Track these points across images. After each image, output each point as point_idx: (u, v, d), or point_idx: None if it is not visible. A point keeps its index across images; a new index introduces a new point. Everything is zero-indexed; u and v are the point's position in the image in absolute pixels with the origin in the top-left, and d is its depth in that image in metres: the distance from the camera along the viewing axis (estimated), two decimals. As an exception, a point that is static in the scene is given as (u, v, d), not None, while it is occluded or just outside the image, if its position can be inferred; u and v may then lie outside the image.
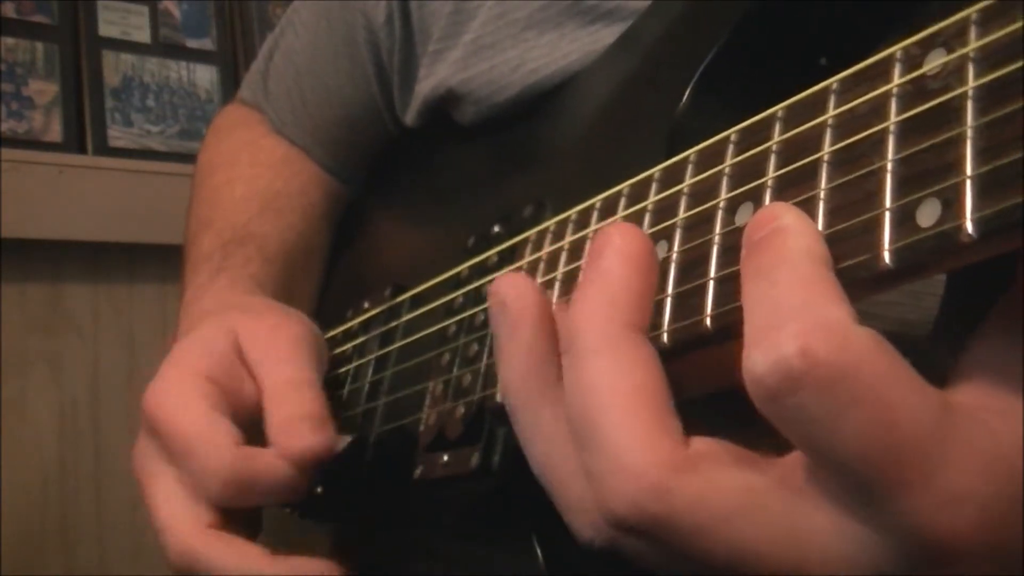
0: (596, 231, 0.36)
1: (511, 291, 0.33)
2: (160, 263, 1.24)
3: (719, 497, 0.26)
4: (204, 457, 0.47)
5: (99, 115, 1.25)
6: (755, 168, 0.31)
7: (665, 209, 0.35)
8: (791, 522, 0.25)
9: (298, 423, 0.48)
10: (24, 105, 1.20)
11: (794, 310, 0.24)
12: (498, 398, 0.32)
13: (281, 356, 0.51)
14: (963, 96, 0.24)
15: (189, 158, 1.27)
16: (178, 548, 0.47)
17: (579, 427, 0.29)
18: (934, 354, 0.25)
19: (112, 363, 1.21)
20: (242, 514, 0.49)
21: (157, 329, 1.23)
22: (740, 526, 0.26)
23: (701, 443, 0.28)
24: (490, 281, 0.46)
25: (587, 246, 0.35)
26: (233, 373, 0.51)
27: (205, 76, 1.34)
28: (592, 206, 0.39)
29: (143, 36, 1.31)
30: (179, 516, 0.47)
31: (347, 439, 0.50)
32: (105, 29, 1.28)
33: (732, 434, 0.32)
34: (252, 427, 0.49)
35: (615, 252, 0.31)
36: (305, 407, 0.49)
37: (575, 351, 0.30)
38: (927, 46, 0.26)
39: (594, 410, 0.29)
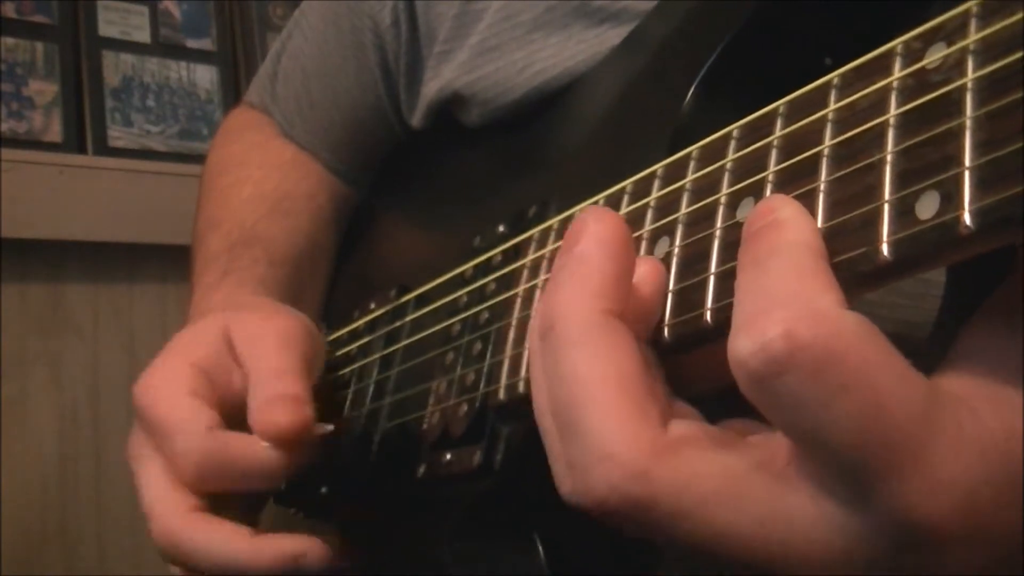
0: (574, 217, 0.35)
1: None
2: (160, 263, 1.24)
3: (698, 481, 0.26)
4: (178, 440, 0.47)
5: (99, 115, 1.25)
6: (756, 163, 0.31)
7: (667, 205, 0.35)
8: (772, 506, 0.25)
9: (275, 403, 0.48)
10: (24, 105, 1.20)
11: (783, 297, 0.24)
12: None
13: (268, 347, 0.52)
14: (962, 88, 0.24)
15: (189, 158, 1.28)
16: (160, 530, 0.47)
17: (560, 417, 0.29)
18: (935, 353, 0.25)
19: (112, 363, 1.21)
20: (233, 507, 0.49)
21: (157, 329, 1.23)
22: (720, 510, 0.26)
23: (680, 427, 0.28)
24: (494, 280, 0.46)
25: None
26: (221, 363, 0.52)
27: (205, 76, 1.34)
28: (596, 203, 0.39)
29: (143, 36, 1.31)
30: (162, 499, 0.48)
31: (328, 427, 0.50)
32: (105, 29, 1.28)
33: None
34: (242, 417, 0.50)
35: (590, 237, 0.31)
36: (284, 390, 0.49)
37: (553, 340, 0.30)
38: (928, 40, 0.26)
39: (575, 401, 0.29)
